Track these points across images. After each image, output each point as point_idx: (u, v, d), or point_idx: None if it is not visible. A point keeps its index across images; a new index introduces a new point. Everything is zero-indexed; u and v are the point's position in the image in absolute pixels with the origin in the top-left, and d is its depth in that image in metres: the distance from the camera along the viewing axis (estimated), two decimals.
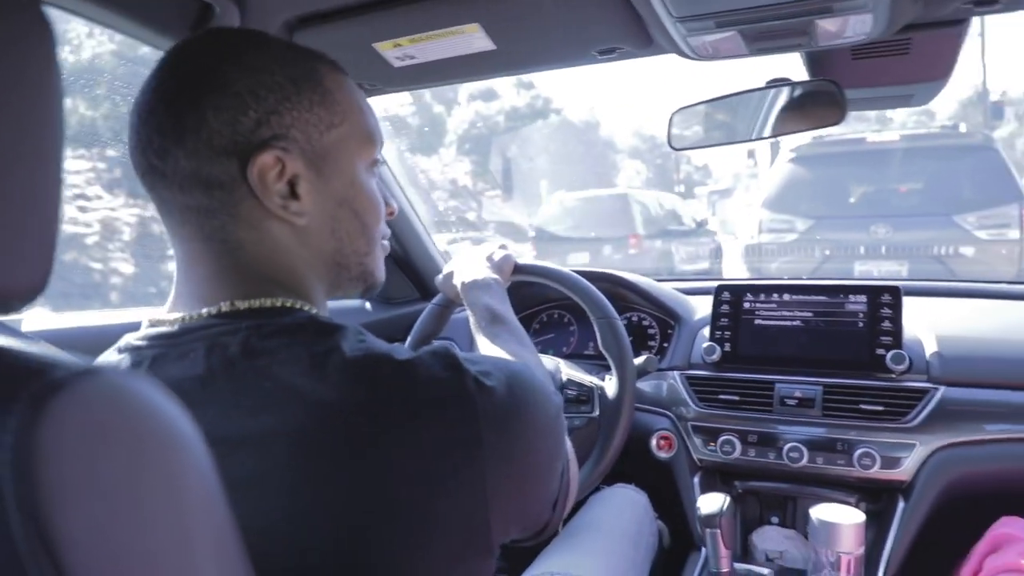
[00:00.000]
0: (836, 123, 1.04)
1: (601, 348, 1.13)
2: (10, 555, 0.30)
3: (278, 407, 0.50)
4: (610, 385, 1.13)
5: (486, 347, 0.91)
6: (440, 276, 1.16)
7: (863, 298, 1.24)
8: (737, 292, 1.33)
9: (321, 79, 0.60)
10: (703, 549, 1.19)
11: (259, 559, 0.43)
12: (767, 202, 5.31)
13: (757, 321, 1.30)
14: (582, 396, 1.16)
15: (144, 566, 0.35)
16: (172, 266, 0.62)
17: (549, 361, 1.21)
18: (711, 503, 1.01)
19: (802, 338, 1.26)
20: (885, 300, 1.23)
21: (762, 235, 5.25)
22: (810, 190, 5.23)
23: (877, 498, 1.20)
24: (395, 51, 1.00)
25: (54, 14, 0.77)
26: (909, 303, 1.28)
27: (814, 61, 1.06)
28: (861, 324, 1.23)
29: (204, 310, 0.57)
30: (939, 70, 1.04)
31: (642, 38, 0.97)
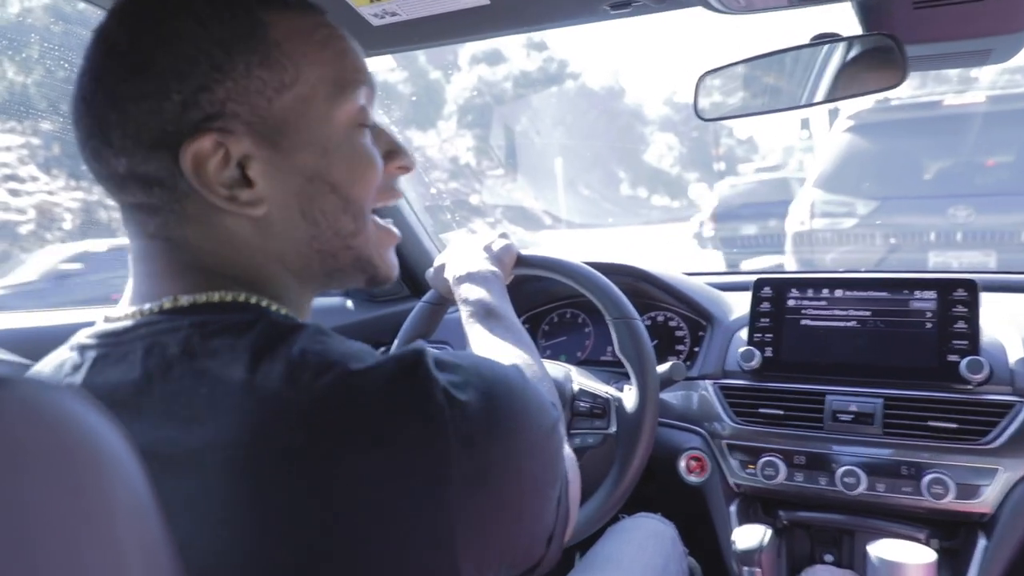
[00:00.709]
0: (894, 85, 1.04)
1: (618, 353, 1.13)
2: None
3: (213, 417, 0.51)
4: (629, 396, 1.13)
5: (477, 345, 0.92)
6: (431, 269, 1.17)
7: (932, 294, 1.23)
8: (780, 287, 1.33)
9: (265, 32, 0.58)
10: None
11: None
12: (821, 180, 5.27)
13: (804, 321, 1.30)
14: (596, 409, 1.16)
15: None
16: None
17: (558, 368, 1.21)
18: (749, 537, 1.01)
19: (858, 342, 1.26)
20: (959, 296, 1.22)
21: (815, 220, 5.22)
22: (873, 165, 5.19)
23: (952, 534, 1.19)
24: (373, 7, 1.01)
25: None
26: (989, 300, 1.28)
27: (868, 12, 1.05)
28: (929, 325, 1.22)
29: (148, 306, 0.58)
30: (1021, 19, 1.03)
31: None
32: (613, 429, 1.15)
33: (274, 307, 0.60)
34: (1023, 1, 0.96)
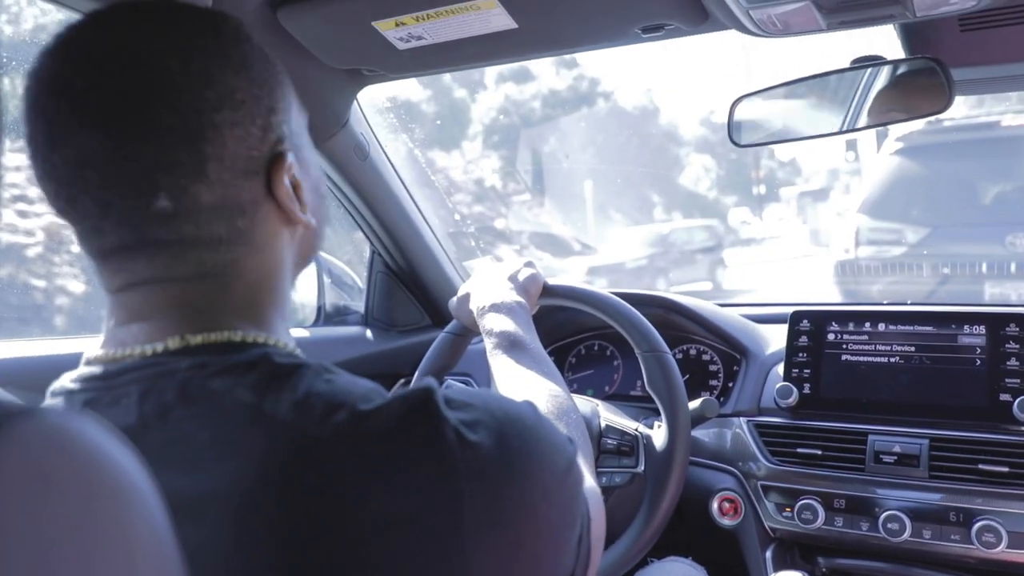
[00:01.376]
0: (940, 111, 1.05)
1: (648, 388, 1.14)
2: None
3: (217, 464, 0.52)
4: (659, 434, 1.14)
5: (502, 377, 0.93)
6: (454, 299, 1.18)
7: (981, 329, 1.23)
8: (819, 320, 1.33)
9: (251, 47, 0.61)
10: None
11: None
12: (868, 206, 5.23)
13: (844, 356, 1.30)
14: (624, 447, 1.17)
15: None
16: None
17: (585, 403, 1.22)
18: None
19: (902, 378, 1.26)
20: (1011, 332, 1.22)
21: (860, 248, 5.18)
22: (924, 190, 5.15)
23: None
24: (399, 31, 1.04)
25: None
26: None
27: (912, 35, 1.07)
28: (979, 362, 1.22)
29: (146, 347, 0.57)
30: None
31: (695, 12, 0.99)
32: (641, 468, 1.16)
33: (276, 343, 0.61)
34: None
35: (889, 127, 4.98)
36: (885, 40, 1.13)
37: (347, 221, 1.59)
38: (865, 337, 1.30)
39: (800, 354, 1.33)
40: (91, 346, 0.62)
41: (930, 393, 1.24)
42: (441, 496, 0.52)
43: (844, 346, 1.31)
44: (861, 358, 1.30)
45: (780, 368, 1.36)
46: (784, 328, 1.37)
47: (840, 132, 1.19)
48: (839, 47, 1.13)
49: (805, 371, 1.32)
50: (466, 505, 0.53)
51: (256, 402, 0.53)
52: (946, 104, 1.05)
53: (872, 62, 1.10)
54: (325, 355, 1.53)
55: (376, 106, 1.45)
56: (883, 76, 1.12)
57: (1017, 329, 1.21)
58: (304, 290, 1.66)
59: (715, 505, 1.32)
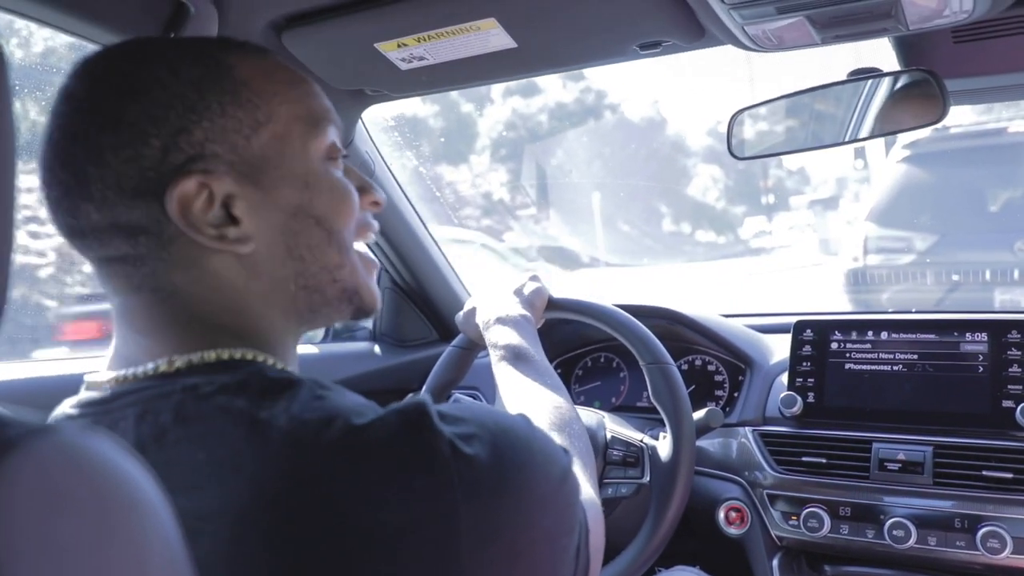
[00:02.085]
0: (935, 122, 1.06)
1: (652, 400, 1.16)
2: None
3: (213, 483, 0.52)
4: (664, 444, 1.15)
5: (507, 390, 0.94)
6: (461, 313, 1.20)
7: (984, 336, 1.24)
8: (822, 329, 1.34)
9: (230, 71, 0.62)
10: None
11: None
12: (876, 214, 5.22)
13: (848, 365, 1.31)
14: (630, 458, 1.18)
15: None
16: None
17: (591, 415, 1.23)
18: None
19: (906, 386, 1.26)
20: (1013, 339, 1.22)
21: (868, 256, 5.16)
22: (932, 198, 5.14)
23: None
24: (401, 52, 1.06)
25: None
26: None
27: (906, 47, 1.09)
28: (982, 369, 1.23)
29: (139, 369, 0.60)
30: None
31: (692, 29, 1.01)
32: (647, 479, 1.17)
33: (265, 360, 0.62)
34: None
35: (895, 136, 4.98)
36: (883, 52, 1.14)
37: None
38: (868, 346, 1.31)
39: (804, 363, 1.34)
40: (94, 366, 0.63)
41: (933, 400, 1.24)
42: (437, 509, 0.53)
43: (847, 355, 1.32)
44: (864, 366, 1.30)
45: (784, 377, 1.37)
46: (788, 338, 1.38)
47: (839, 143, 1.20)
48: (841, 58, 1.15)
49: (809, 380, 1.33)
50: (462, 517, 0.53)
51: (250, 420, 0.54)
52: (941, 115, 1.06)
53: (868, 74, 1.11)
54: (334, 371, 1.56)
55: (381, 125, 1.47)
56: (880, 88, 1.13)
57: (1019, 336, 1.22)
58: None
59: (721, 514, 1.33)
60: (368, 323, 1.76)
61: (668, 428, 1.14)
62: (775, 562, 1.28)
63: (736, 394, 1.45)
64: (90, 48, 0.72)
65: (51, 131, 0.60)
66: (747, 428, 1.36)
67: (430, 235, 1.64)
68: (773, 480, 1.29)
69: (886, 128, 1.13)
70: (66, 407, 0.62)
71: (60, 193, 0.60)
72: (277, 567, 0.51)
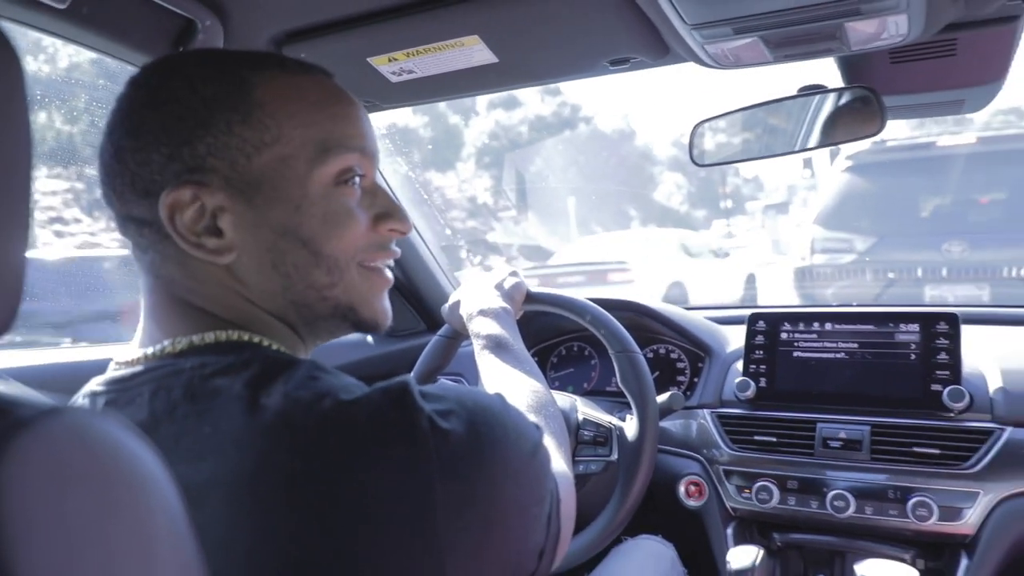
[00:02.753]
0: (873, 134, 1.07)
1: (620, 385, 1.15)
2: None
3: (217, 453, 0.52)
4: (630, 425, 1.15)
5: (488, 376, 0.94)
6: (446, 305, 1.19)
7: (916, 327, 1.25)
8: (773, 321, 1.35)
9: (249, 92, 0.61)
10: None
11: None
12: (821, 218, 5.28)
13: (796, 353, 1.32)
14: (599, 438, 1.18)
15: None
16: None
17: (564, 399, 1.23)
18: (742, 557, 1.02)
19: (847, 372, 1.27)
20: (941, 329, 1.23)
21: (815, 256, 5.22)
22: (871, 204, 5.20)
23: (937, 554, 1.19)
24: (391, 66, 1.05)
25: (25, 33, 0.83)
26: (971, 332, 1.29)
27: (849, 66, 1.09)
28: (914, 356, 1.24)
29: (151, 349, 0.60)
30: (991, 72, 1.06)
31: (657, 47, 1.00)
32: (615, 456, 1.17)
33: (267, 343, 0.62)
34: (991, 58, 0.99)
35: (839, 146, 5.03)
36: (829, 70, 1.15)
37: None
38: (814, 336, 1.31)
39: (757, 352, 1.35)
40: (121, 350, 0.64)
41: (871, 385, 1.25)
42: (416, 478, 0.53)
43: (796, 344, 1.33)
44: (811, 354, 1.31)
45: (739, 364, 1.38)
46: (743, 329, 1.39)
47: (789, 153, 1.20)
48: (793, 75, 1.15)
49: (761, 367, 1.33)
50: (438, 487, 0.53)
51: (250, 397, 0.54)
52: (879, 127, 1.07)
53: (815, 90, 1.11)
54: (331, 358, 1.55)
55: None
56: (826, 103, 1.14)
57: (946, 327, 1.23)
58: None
59: (682, 488, 1.33)
60: None
61: (634, 411, 1.14)
62: (729, 531, 1.29)
63: (696, 379, 1.46)
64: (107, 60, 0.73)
65: (105, 129, 0.63)
66: (705, 410, 1.36)
67: (419, 234, 1.63)
68: (728, 457, 1.30)
69: (831, 139, 1.13)
70: (93, 384, 0.62)
71: (101, 184, 0.63)
72: (273, 530, 0.51)
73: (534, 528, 0.63)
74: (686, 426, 1.37)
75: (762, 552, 1.02)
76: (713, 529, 1.29)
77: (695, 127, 1.21)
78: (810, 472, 1.23)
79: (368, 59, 1.04)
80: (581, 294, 1.24)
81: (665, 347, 1.53)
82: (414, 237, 1.61)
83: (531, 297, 1.18)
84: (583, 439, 1.20)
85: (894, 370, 1.24)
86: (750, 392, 1.32)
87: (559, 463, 0.77)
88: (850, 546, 1.24)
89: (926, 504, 1.13)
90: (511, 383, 0.91)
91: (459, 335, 1.24)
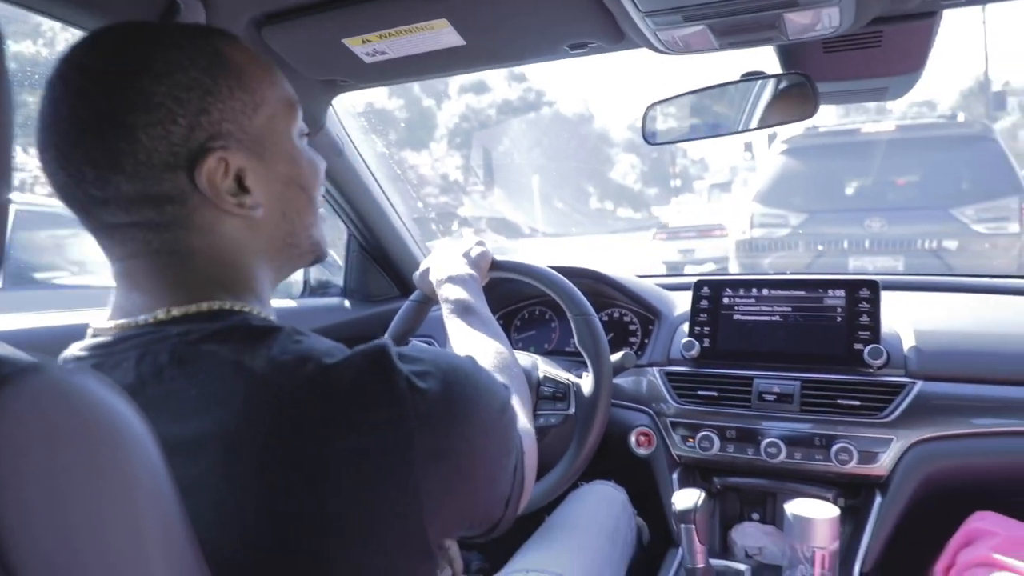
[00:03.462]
0: (808, 117, 1.07)
1: (577, 345, 1.15)
2: None
3: (204, 413, 0.51)
4: (586, 382, 1.15)
5: (456, 337, 0.93)
6: (417, 272, 1.18)
7: (841, 293, 1.26)
8: (716, 287, 1.35)
9: (228, 59, 0.59)
10: (681, 546, 1.21)
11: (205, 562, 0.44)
12: (759, 196, 5.34)
13: (736, 316, 1.32)
14: (558, 393, 1.18)
15: (94, 558, 0.36)
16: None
17: (526, 358, 1.23)
18: (686, 499, 1.03)
19: (780, 333, 1.29)
20: (863, 295, 1.25)
21: (754, 230, 5.29)
22: (803, 183, 5.27)
23: (855, 493, 1.22)
24: (365, 47, 1.02)
25: (10, 11, 0.79)
26: (890, 298, 1.31)
27: (787, 54, 1.08)
28: (839, 319, 1.25)
29: (139, 318, 0.57)
30: (912, 63, 1.06)
31: (613, 33, 0.98)
32: (572, 410, 1.17)
33: (250, 310, 0.60)
34: (912, 49, 1.00)
35: (775, 131, 5.07)
36: (768, 58, 1.14)
37: (327, 209, 1.57)
38: (752, 300, 1.32)
39: (701, 315, 1.35)
40: (98, 317, 0.61)
41: (802, 344, 1.27)
42: (395, 434, 0.52)
43: (736, 308, 1.33)
44: (749, 317, 1.32)
45: (685, 327, 1.38)
46: (689, 294, 1.39)
47: (733, 132, 1.20)
48: (736, 62, 1.14)
49: (705, 329, 1.34)
50: (416, 442, 0.52)
51: (236, 360, 0.52)
52: (813, 111, 1.07)
53: (757, 76, 1.11)
54: (310, 322, 1.53)
55: (350, 112, 1.42)
56: (766, 88, 1.13)
57: (868, 293, 1.24)
58: None
59: (633, 438, 1.34)
60: (340, 281, 1.72)
61: (590, 369, 1.14)
62: (675, 476, 1.30)
63: (646, 340, 1.46)
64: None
65: (72, 103, 0.54)
66: (655, 368, 1.37)
67: (392, 206, 1.60)
68: (675, 410, 1.31)
69: (769, 121, 1.13)
70: (74, 349, 0.59)
71: (85, 166, 0.54)
72: (261, 485, 0.50)
73: (502, 478, 0.63)
74: (637, 382, 1.38)
75: (703, 494, 1.03)
76: (660, 474, 1.31)
77: (647, 109, 1.20)
78: (747, 423, 1.24)
79: (343, 40, 1.00)
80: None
81: (619, 311, 1.54)
82: (387, 208, 1.58)
83: (496, 265, 1.17)
84: (543, 395, 1.20)
85: (822, 331, 1.26)
86: (695, 352, 1.32)
87: (523, 420, 0.77)
88: (781, 487, 1.27)
89: (847, 449, 1.16)
90: (478, 345, 0.90)
91: (429, 300, 1.23)
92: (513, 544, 1.14)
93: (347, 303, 1.67)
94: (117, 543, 0.37)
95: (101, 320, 0.60)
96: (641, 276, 1.62)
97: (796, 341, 1.27)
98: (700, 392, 1.30)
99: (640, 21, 0.91)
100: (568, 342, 1.57)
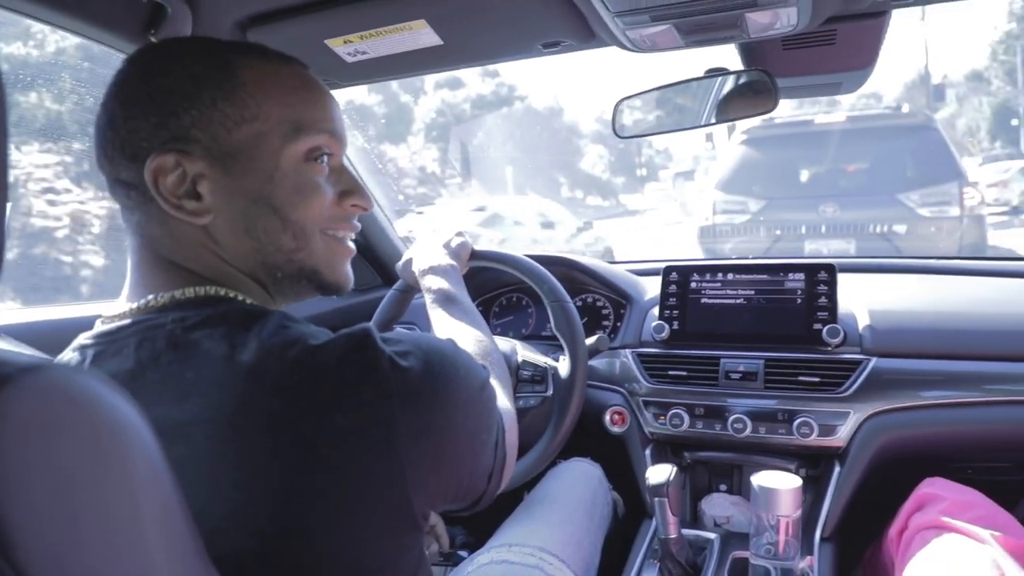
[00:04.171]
0: (769, 111, 1.07)
1: (554, 330, 1.15)
2: None
3: (200, 395, 0.51)
4: (563, 365, 1.15)
5: (438, 325, 0.93)
6: (400, 263, 1.17)
7: (801, 276, 1.28)
8: (684, 272, 1.36)
9: (234, 73, 0.59)
10: (654, 517, 1.22)
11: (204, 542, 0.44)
12: (721, 184, 5.38)
13: (703, 300, 1.33)
14: (537, 376, 1.18)
15: (98, 551, 0.36)
16: None
17: (505, 343, 1.23)
18: (659, 473, 1.04)
19: (745, 315, 1.30)
20: (821, 277, 1.26)
21: (716, 216, 5.32)
22: (762, 171, 5.31)
23: (816, 464, 1.24)
24: (346, 47, 1.00)
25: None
26: (846, 280, 1.32)
27: (748, 52, 1.08)
28: (799, 301, 1.27)
29: (135, 304, 0.59)
30: (864, 59, 1.07)
31: (584, 32, 0.98)
32: (550, 392, 1.17)
33: (241, 297, 0.60)
34: (864, 46, 1.00)
35: (735, 122, 5.10)
36: (731, 55, 1.14)
37: None
38: (719, 285, 1.33)
39: (671, 299, 1.36)
40: (107, 306, 0.61)
41: (765, 325, 1.28)
42: (379, 412, 0.52)
43: (703, 292, 1.34)
44: (715, 300, 1.33)
45: (656, 310, 1.39)
46: (658, 279, 1.39)
47: (698, 126, 1.20)
48: (703, 59, 1.14)
49: (674, 312, 1.35)
50: (399, 419, 0.53)
51: (229, 345, 0.53)
52: (774, 105, 1.07)
53: (720, 72, 1.11)
54: (299, 310, 1.49)
55: None
56: (729, 83, 1.13)
57: (826, 275, 1.26)
58: None
59: (607, 417, 1.35)
60: None
61: (567, 352, 1.14)
62: (647, 452, 1.31)
63: (619, 324, 1.47)
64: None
65: (102, 100, 0.61)
66: (627, 350, 1.37)
67: (375, 200, 1.58)
68: (647, 389, 1.31)
69: (732, 115, 1.13)
70: (82, 339, 0.60)
71: (95, 149, 0.61)
72: (254, 463, 0.50)
73: (484, 452, 0.63)
74: (611, 364, 1.38)
75: (675, 469, 1.03)
76: (634, 451, 1.32)
77: (616, 104, 1.19)
78: (715, 400, 1.25)
79: (326, 41, 0.98)
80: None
81: (592, 296, 1.54)
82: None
83: (476, 255, 1.17)
84: (522, 378, 1.20)
85: (784, 312, 1.27)
86: (665, 334, 1.33)
87: (503, 400, 0.77)
88: (747, 460, 1.28)
89: (808, 423, 1.17)
90: (460, 332, 0.90)
91: (412, 289, 1.22)
92: (495, 519, 1.15)
93: None
94: (119, 536, 0.37)
95: (112, 307, 0.61)
96: (611, 262, 1.62)
97: (759, 322, 1.28)
98: (670, 372, 1.30)
99: (610, 21, 0.90)
100: (544, 327, 1.57)
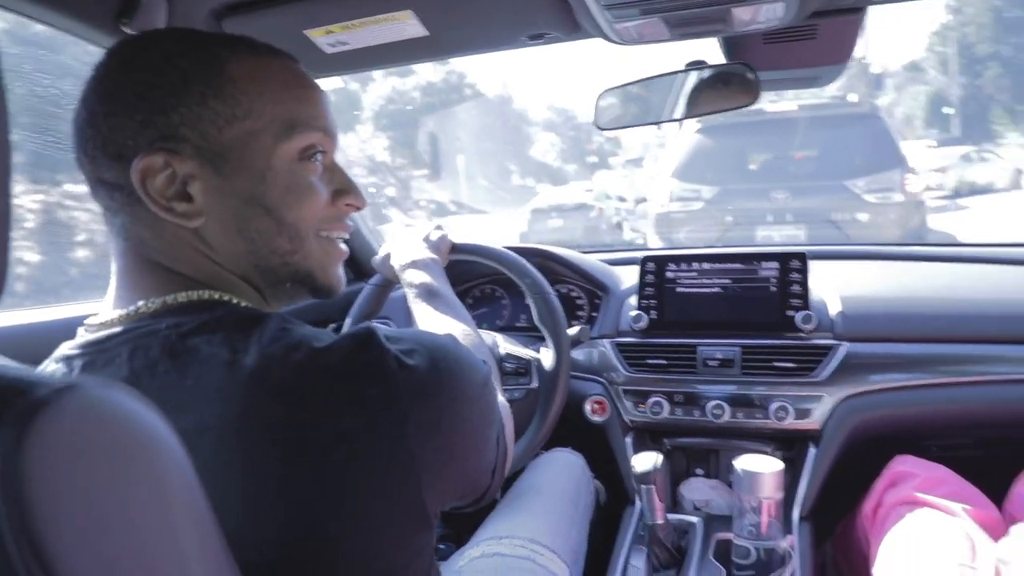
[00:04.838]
0: (750, 103, 1.09)
1: (537, 322, 1.15)
2: (7, 573, 0.30)
3: (201, 403, 0.50)
4: (547, 357, 1.15)
5: (424, 320, 0.92)
6: (377, 257, 1.15)
7: (774, 264, 1.31)
8: (661, 262, 1.38)
9: (223, 68, 0.56)
10: (637, 503, 1.25)
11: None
12: (676, 171, 5.46)
13: (680, 289, 1.36)
14: (520, 369, 1.19)
15: (136, 567, 0.35)
16: (82, 254, 0.63)
17: (487, 336, 1.23)
18: (645, 461, 1.06)
19: (721, 303, 1.33)
20: (794, 265, 1.30)
21: (672, 204, 5.41)
22: (715, 159, 5.42)
23: (791, 446, 1.29)
24: (327, 38, 0.98)
25: None
26: (816, 267, 1.37)
27: (730, 45, 1.10)
28: (773, 288, 1.30)
29: (124, 311, 0.56)
30: (841, 53, 1.10)
31: (569, 24, 0.98)
32: (535, 384, 1.18)
33: (236, 301, 0.58)
34: (843, 41, 1.03)
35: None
36: (711, 48, 1.16)
37: None
38: (695, 274, 1.35)
39: (648, 288, 1.37)
40: (95, 309, 0.58)
41: (740, 313, 1.31)
42: (389, 411, 0.52)
43: (680, 281, 1.36)
44: (692, 289, 1.35)
45: (633, 300, 1.40)
46: (634, 269, 1.41)
47: (677, 119, 1.21)
48: (682, 52, 1.15)
49: (652, 301, 1.36)
50: (409, 417, 0.52)
51: (228, 352, 0.51)
52: (754, 98, 1.09)
53: (701, 65, 1.12)
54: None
55: None
56: (709, 76, 1.14)
57: (798, 263, 1.29)
58: None
59: (588, 407, 1.36)
60: None
61: (550, 344, 1.14)
62: (628, 440, 1.33)
63: (595, 314, 1.48)
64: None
65: (80, 94, 0.58)
66: (606, 340, 1.39)
67: (352, 226, 1.55)
68: (626, 378, 1.33)
69: (715, 107, 1.15)
70: (65, 349, 0.57)
71: (74, 147, 0.58)
72: (262, 471, 0.49)
73: (488, 448, 0.64)
74: (589, 354, 1.40)
75: (661, 457, 1.06)
76: (615, 439, 1.34)
77: (599, 96, 1.20)
78: (693, 387, 1.28)
79: (305, 31, 0.96)
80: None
81: (567, 287, 1.55)
82: None
83: (456, 248, 1.16)
84: (506, 371, 1.20)
85: (758, 300, 1.30)
86: (643, 323, 1.35)
87: (499, 393, 0.78)
88: (725, 445, 1.32)
89: (784, 408, 1.21)
90: (447, 327, 0.89)
91: (390, 283, 1.21)
92: (479, 512, 1.15)
93: None
94: (157, 556, 0.36)
95: (95, 315, 0.58)
96: (586, 251, 1.63)
97: (735, 310, 1.31)
98: (649, 361, 1.33)
99: (598, 13, 0.91)
100: (519, 318, 1.58)
